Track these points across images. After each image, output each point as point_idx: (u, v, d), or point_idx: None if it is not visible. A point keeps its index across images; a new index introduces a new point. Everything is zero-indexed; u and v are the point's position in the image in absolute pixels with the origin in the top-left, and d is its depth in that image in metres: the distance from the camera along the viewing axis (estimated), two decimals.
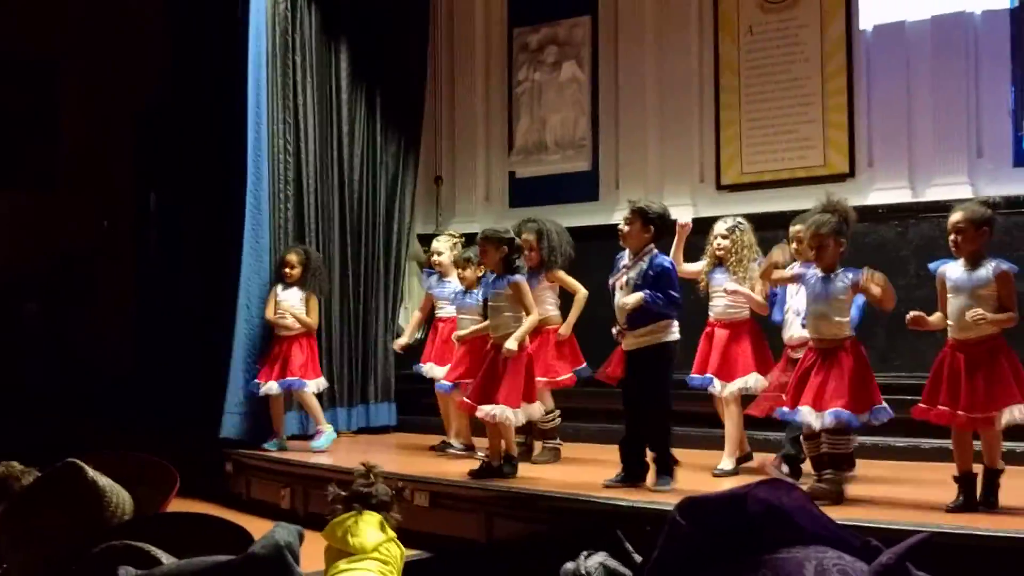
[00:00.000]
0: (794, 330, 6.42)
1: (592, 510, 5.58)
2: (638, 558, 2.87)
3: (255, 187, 8.29)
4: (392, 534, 4.52)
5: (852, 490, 5.67)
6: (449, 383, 7.44)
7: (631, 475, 6.07)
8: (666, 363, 6.13)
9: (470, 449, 7.67)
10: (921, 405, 5.41)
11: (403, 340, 8.45)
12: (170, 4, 9.67)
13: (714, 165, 9.12)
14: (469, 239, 8.10)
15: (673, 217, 6.49)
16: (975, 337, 5.25)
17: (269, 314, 8.06)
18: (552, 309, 7.44)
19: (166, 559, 2.25)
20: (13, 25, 10.56)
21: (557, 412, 7.43)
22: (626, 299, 6.00)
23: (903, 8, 8.25)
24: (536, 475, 6.60)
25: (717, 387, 6.68)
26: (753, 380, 6.62)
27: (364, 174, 9.50)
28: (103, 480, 3.27)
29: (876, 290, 5.58)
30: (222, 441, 8.10)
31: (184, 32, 9.25)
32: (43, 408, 9.71)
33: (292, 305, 7.99)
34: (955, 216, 5.41)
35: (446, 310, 8.05)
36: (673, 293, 6.03)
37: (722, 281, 6.71)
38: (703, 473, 6.49)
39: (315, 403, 8.11)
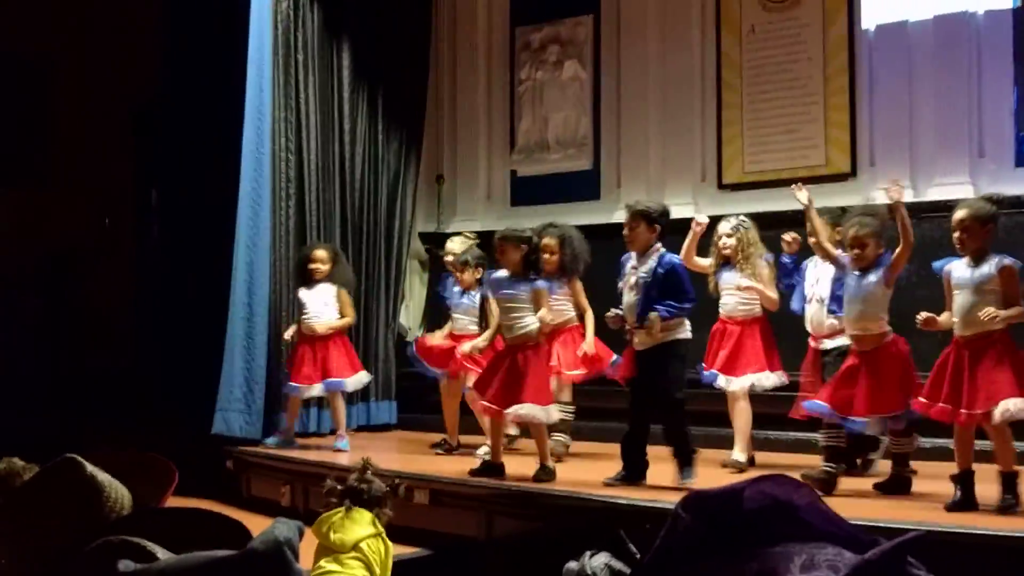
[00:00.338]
0: (821, 318, 6.45)
1: (591, 508, 5.57)
2: (640, 556, 2.87)
3: (256, 185, 8.29)
4: (380, 530, 4.50)
5: (851, 488, 5.70)
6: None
7: (632, 473, 6.07)
8: (679, 359, 6.13)
9: (458, 448, 7.72)
10: (922, 400, 5.41)
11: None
12: (170, 0, 9.66)
13: (716, 164, 9.12)
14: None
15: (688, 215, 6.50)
16: (979, 333, 5.23)
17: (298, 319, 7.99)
18: (569, 311, 7.43)
19: (163, 555, 2.25)
20: (10, 23, 10.56)
21: (573, 408, 7.46)
22: (647, 323, 5.95)
23: (905, 8, 8.25)
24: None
25: (723, 382, 6.72)
26: (765, 379, 6.71)
27: (366, 172, 9.50)
28: (102, 476, 3.27)
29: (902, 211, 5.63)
30: (223, 438, 8.09)
31: (184, 28, 9.24)
32: (43, 404, 9.72)
33: (323, 303, 7.90)
34: (960, 213, 5.41)
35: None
36: (685, 292, 6.04)
37: (730, 280, 6.77)
38: (712, 469, 6.51)
39: (342, 407, 8.02)
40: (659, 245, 6.13)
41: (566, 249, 7.31)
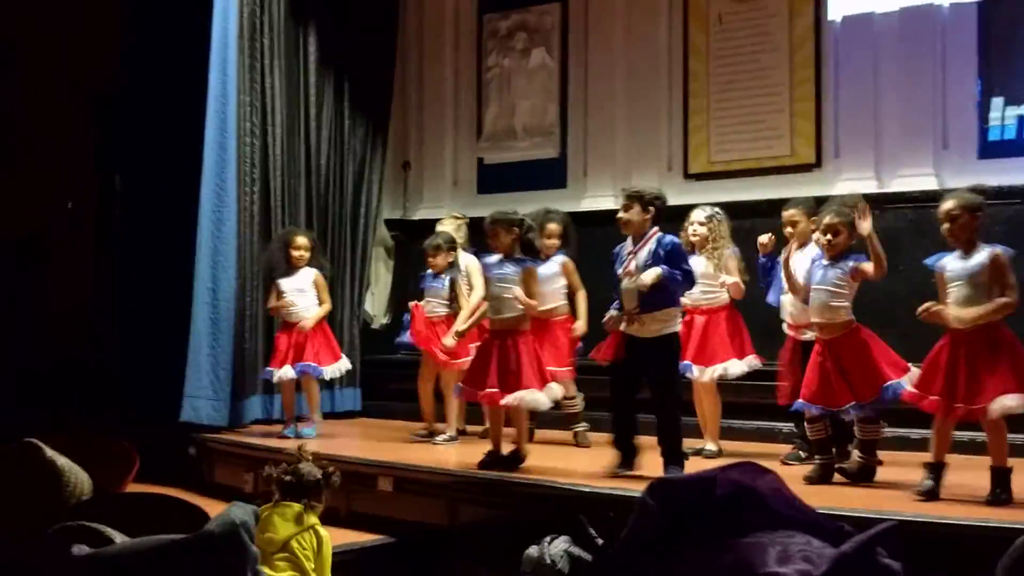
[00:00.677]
0: (797, 310, 6.47)
1: (555, 496, 5.57)
2: (600, 542, 2.88)
3: (221, 169, 8.23)
4: (312, 521, 4.46)
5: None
6: None
7: (629, 462, 6.00)
8: (675, 354, 6.10)
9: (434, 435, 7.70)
10: (914, 391, 5.38)
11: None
12: None
13: (682, 154, 9.14)
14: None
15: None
16: (977, 326, 5.18)
17: (272, 303, 7.94)
18: (562, 299, 7.42)
19: (120, 539, 2.23)
20: None
21: (581, 397, 7.46)
22: (643, 277, 5.83)
23: (872, 0, 8.29)
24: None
25: (695, 373, 6.73)
26: (732, 366, 6.75)
27: (331, 158, 9.46)
28: (61, 460, 3.25)
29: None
30: (185, 425, 8.05)
31: (148, 9, 9.14)
32: (4, 390, 9.62)
33: (300, 289, 7.84)
34: (947, 204, 5.35)
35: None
36: (688, 268, 5.99)
37: (696, 267, 6.74)
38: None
39: (317, 393, 8.00)
40: (656, 229, 6.03)
41: (568, 234, 7.34)
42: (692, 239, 6.87)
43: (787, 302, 6.57)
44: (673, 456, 5.89)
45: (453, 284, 7.59)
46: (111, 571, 2.12)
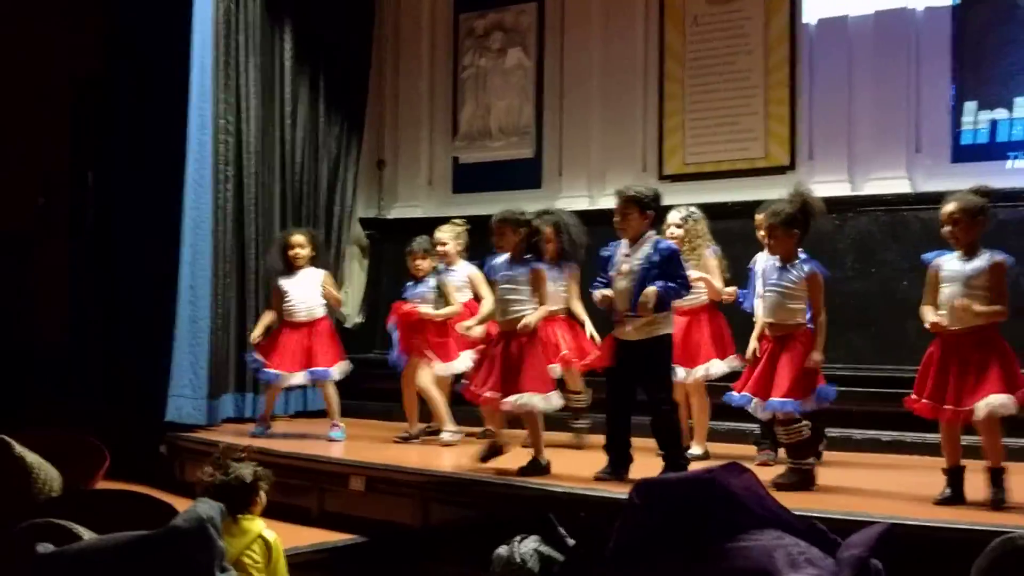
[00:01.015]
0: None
1: (526, 496, 5.58)
2: (571, 542, 2.87)
3: (199, 166, 8.18)
4: (256, 531, 4.30)
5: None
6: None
7: (621, 467, 5.93)
8: (667, 357, 6.02)
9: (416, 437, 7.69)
10: (911, 396, 5.34)
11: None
12: None
13: (657, 155, 9.16)
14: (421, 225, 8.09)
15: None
16: (965, 328, 5.15)
17: (276, 305, 7.80)
18: (575, 300, 7.32)
19: (88, 536, 2.22)
20: None
21: (589, 392, 7.36)
22: (643, 299, 5.77)
23: (847, 2, 8.33)
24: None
25: (681, 374, 6.67)
26: (714, 366, 6.72)
27: (306, 156, 9.43)
28: (31, 457, 3.23)
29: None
30: (157, 423, 8.01)
31: (125, 6, 9.10)
32: None
33: (308, 291, 7.75)
34: (949, 207, 5.29)
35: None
36: (683, 277, 5.92)
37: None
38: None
39: (335, 396, 7.87)
40: (652, 232, 5.99)
41: (562, 236, 7.16)
42: (670, 241, 6.86)
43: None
44: (674, 460, 5.83)
45: (440, 285, 7.54)
46: (77, 568, 2.11)
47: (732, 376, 6.78)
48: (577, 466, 6.21)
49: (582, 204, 8.88)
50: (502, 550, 3.46)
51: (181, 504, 2.83)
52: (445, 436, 7.43)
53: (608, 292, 5.95)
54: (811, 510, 4.54)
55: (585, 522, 2.47)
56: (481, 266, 7.17)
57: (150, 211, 8.52)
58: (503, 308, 6.25)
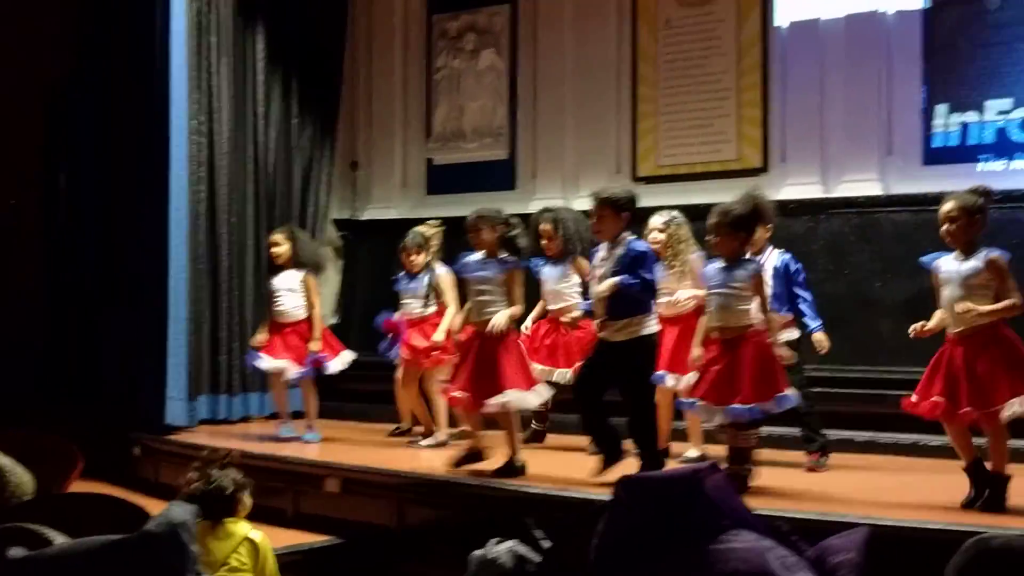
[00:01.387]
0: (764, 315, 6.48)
1: (503, 497, 5.58)
2: (547, 544, 2.87)
3: (174, 168, 8.14)
4: (241, 533, 4.32)
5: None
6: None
7: (613, 458, 5.89)
8: (648, 357, 5.95)
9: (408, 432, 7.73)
10: (912, 399, 5.30)
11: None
12: None
13: (630, 156, 9.19)
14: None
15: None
16: (969, 329, 5.11)
17: (268, 305, 7.83)
18: (575, 298, 7.25)
19: (59, 540, 2.20)
20: None
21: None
22: (599, 287, 5.80)
23: (818, 6, 8.37)
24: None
25: (670, 382, 6.56)
26: None
27: (279, 157, 9.40)
28: (3, 459, 3.21)
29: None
30: (130, 424, 7.99)
31: (96, 6, 9.05)
32: None
33: (289, 289, 7.73)
34: (947, 206, 5.25)
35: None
36: (648, 276, 5.81)
37: (665, 277, 6.72)
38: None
39: (314, 399, 7.87)
40: (627, 234, 5.93)
41: (560, 232, 7.12)
42: (653, 247, 6.84)
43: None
44: (650, 460, 5.81)
45: (431, 283, 7.53)
46: (48, 573, 2.09)
47: None
48: (554, 467, 6.21)
49: (556, 204, 8.89)
50: (477, 553, 3.45)
51: (155, 507, 2.82)
52: (429, 441, 7.45)
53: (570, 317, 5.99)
54: (785, 511, 4.58)
55: (562, 523, 2.46)
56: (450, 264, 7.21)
57: (124, 212, 8.48)
58: (478, 308, 6.23)
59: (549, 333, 7.26)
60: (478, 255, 6.31)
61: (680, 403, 5.79)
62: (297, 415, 8.01)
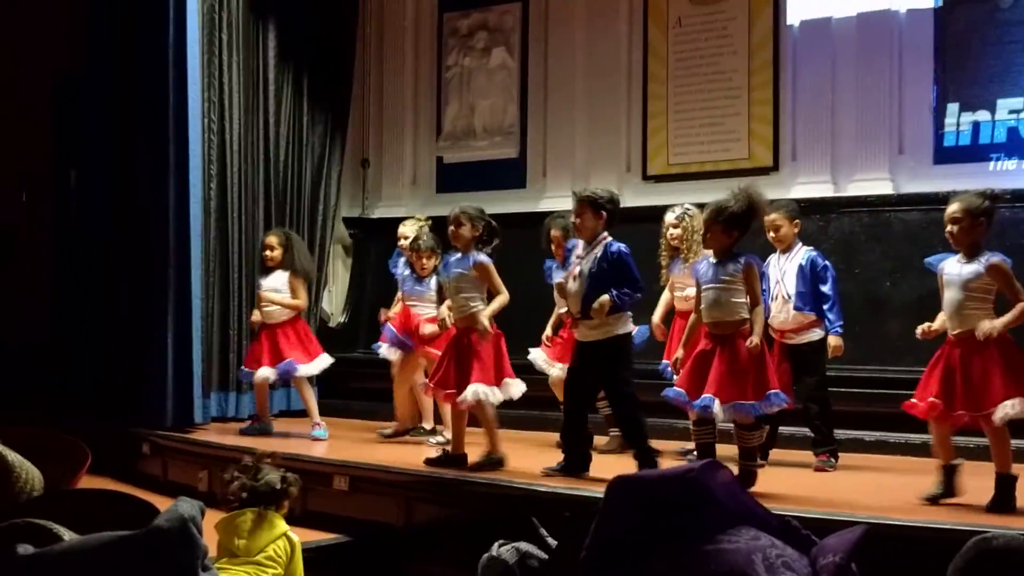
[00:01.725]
0: (785, 315, 6.50)
1: (511, 495, 5.57)
2: (553, 542, 2.87)
3: (186, 165, 8.15)
4: (283, 528, 4.49)
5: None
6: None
7: (573, 465, 5.96)
8: (625, 355, 5.97)
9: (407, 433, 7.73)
10: (912, 400, 5.29)
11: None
12: None
13: (641, 155, 9.18)
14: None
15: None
16: (967, 331, 5.10)
17: (258, 305, 7.90)
18: None
19: (68, 536, 2.20)
20: None
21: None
22: (595, 308, 5.77)
23: (830, 4, 8.36)
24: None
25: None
26: None
27: (290, 155, 9.41)
28: (12, 456, 3.21)
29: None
30: (139, 421, 8.00)
31: (107, 3, 9.05)
32: None
33: (275, 290, 7.82)
34: (952, 207, 5.24)
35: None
36: (634, 278, 5.86)
37: (683, 271, 6.76)
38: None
39: (310, 394, 7.93)
40: (606, 234, 5.96)
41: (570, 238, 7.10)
42: (672, 243, 6.87)
43: (774, 309, 6.53)
44: (642, 456, 5.83)
45: (441, 289, 7.53)
46: (58, 570, 2.09)
47: None
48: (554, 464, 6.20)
49: (566, 204, 8.82)
50: (485, 557, 3.47)
51: (163, 504, 2.82)
52: (435, 440, 7.45)
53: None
54: (791, 510, 4.56)
55: (568, 523, 2.46)
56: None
57: (136, 209, 8.48)
58: (457, 305, 6.34)
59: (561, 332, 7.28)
60: (457, 254, 6.41)
61: (667, 394, 5.73)
62: (297, 414, 8.07)
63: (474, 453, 6.30)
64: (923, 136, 8.07)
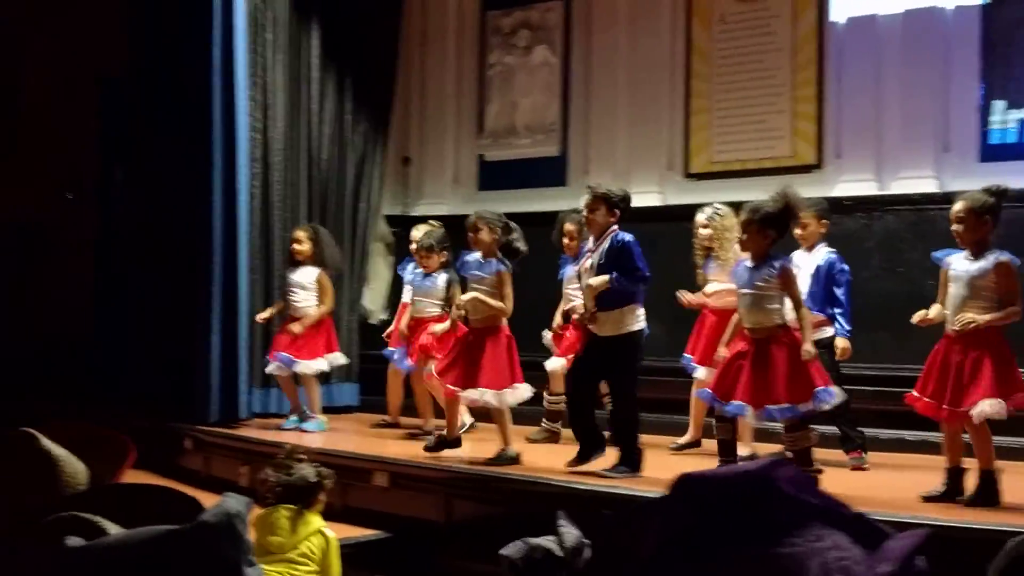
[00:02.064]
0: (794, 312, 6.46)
1: (551, 493, 5.57)
2: (575, 534, 2.82)
3: (232, 163, 8.22)
4: (318, 524, 4.52)
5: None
6: None
7: (588, 449, 6.02)
8: (633, 353, 6.06)
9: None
10: (913, 393, 5.33)
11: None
12: None
13: (683, 153, 9.14)
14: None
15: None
16: (966, 328, 5.12)
17: (283, 297, 8.08)
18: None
19: (114, 530, 2.23)
20: None
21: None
22: (590, 280, 5.91)
23: (875, 1, 8.28)
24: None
25: (701, 373, 6.68)
26: None
27: (332, 153, 9.45)
28: (58, 450, 3.25)
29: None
30: (184, 417, 8.07)
31: (152, 2, 9.14)
32: (2, 378, 9.62)
33: (302, 286, 7.94)
34: (956, 205, 5.28)
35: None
36: (637, 266, 5.91)
37: (716, 270, 6.81)
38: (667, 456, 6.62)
39: (314, 388, 8.03)
40: (615, 227, 6.03)
41: (585, 234, 7.23)
42: (704, 244, 6.88)
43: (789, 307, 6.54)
44: (625, 456, 5.91)
45: (450, 285, 7.58)
46: (106, 562, 2.12)
47: None
48: (595, 463, 6.20)
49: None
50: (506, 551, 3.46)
51: (205, 499, 2.84)
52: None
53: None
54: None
55: (608, 519, 2.44)
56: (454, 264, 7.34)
57: (181, 207, 8.56)
58: (473, 306, 6.45)
59: (566, 328, 7.40)
60: (476, 254, 6.51)
61: (701, 394, 5.77)
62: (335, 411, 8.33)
63: (487, 451, 6.42)
64: (969, 133, 8.00)
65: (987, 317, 5.09)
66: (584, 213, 6.17)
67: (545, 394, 7.44)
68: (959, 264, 5.28)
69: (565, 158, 9.76)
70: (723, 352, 5.73)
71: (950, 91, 8.08)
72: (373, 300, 10.11)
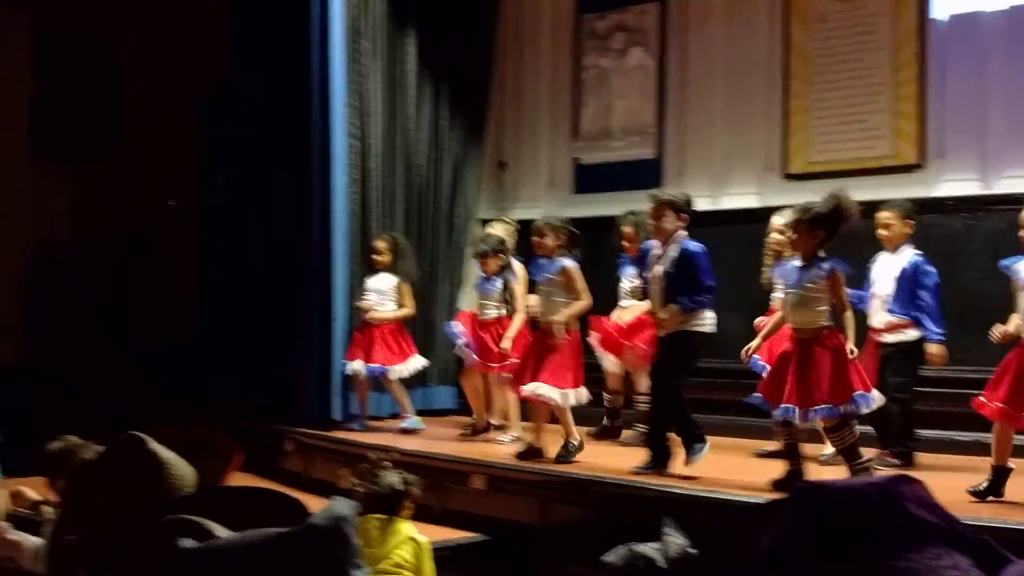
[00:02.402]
0: (879, 314, 6.46)
1: (648, 497, 5.57)
2: (680, 543, 2.81)
3: (333, 170, 8.37)
4: (408, 531, 4.51)
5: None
6: None
7: (657, 460, 6.09)
8: (691, 350, 6.15)
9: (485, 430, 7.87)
10: (980, 398, 5.28)
11: None
12: None
13: (780, 153, 9.04)
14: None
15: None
16: None
17: (358, 301, 8.28)
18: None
19: (222, 533, 2.27)
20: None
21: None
22: (662, 315, 6.07)
23: None
24: (593, 460, 6.58)
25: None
26: None
27: (429, 158, 9.54)
28: (166, 453, 3.31)
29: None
30: (283, 419, 8.20)
31: (252, 10, 9.31)
32: (107, 384, 9.85)
33: (379, 291, 8.18)
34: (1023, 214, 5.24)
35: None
36: (702, 279, 6.03)
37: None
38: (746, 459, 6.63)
39: (400, 391, 8.24)
40: (684, 233, 6.12)
41: (641, 235, 7.36)
42: (773, 247, 6.82)
43: (871, 308, 6.49)
44: (688, 437, 5.99)
45: (507, 286, 7.68)
46: (218, 564, 2.15)
47: None
48: (681, 467, 6.17)
49: (703, 204, 8.74)
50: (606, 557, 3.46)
51: (308, 501, 2.88)
52: (504, 438, 7.59)
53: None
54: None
55: (708, 525, 2.43)
56: (526, 265, 7.58)
57: (283, 212, 8.72)
58: (544, 308, 6.68)
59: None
60: (545, 260, 6.76)
61: (750, 400, 5.73)
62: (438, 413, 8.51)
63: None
64: None
65: None
66: (650, 220, 6.27)
67: (604, 394, 7.63)
68: None
69: (661, 160, 9.71)
70: (755, 344, 5.93)
71: None
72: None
